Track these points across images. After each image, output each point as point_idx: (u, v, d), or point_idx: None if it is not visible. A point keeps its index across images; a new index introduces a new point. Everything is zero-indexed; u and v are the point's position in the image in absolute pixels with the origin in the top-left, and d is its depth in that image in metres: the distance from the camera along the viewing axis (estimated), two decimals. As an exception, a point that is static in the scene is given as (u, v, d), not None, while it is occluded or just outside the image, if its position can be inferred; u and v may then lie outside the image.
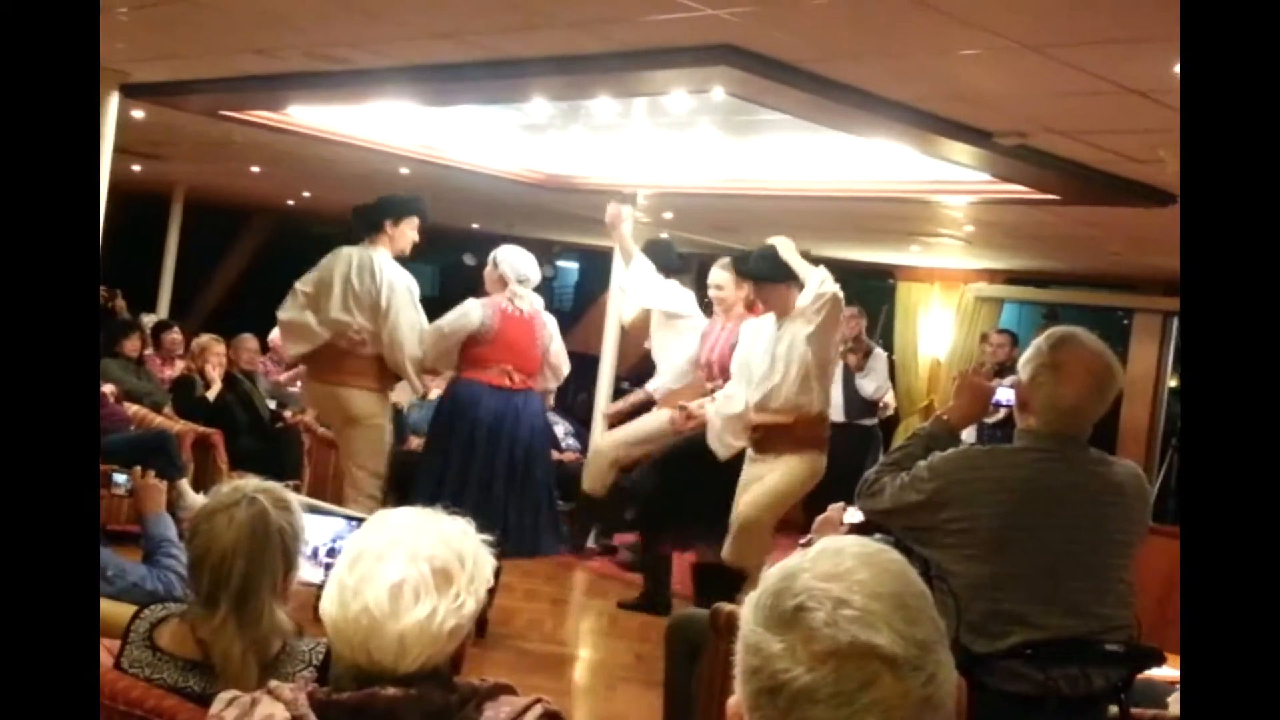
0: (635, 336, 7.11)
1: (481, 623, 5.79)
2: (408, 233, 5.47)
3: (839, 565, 1.07)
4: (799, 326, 4.95)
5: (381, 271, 5.37)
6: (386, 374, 5.52)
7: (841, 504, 3.09)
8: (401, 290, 5.40)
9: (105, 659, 2.15)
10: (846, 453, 6.78)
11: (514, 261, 5.61)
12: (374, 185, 8.50)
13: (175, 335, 8.60)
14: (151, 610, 2.17)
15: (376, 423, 5.51)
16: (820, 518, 3.14)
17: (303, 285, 5.45)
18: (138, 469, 3.43)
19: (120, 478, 3.54)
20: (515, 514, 5.45)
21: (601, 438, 6.02)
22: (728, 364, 5.54)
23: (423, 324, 5.49)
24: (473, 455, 5.42)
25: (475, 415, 5.45)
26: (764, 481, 5.08)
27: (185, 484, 5.80)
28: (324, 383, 5.52)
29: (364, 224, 5.51)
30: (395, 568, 1.54)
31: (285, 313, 5.48)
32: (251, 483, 2.21)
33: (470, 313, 5.50)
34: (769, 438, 5.08)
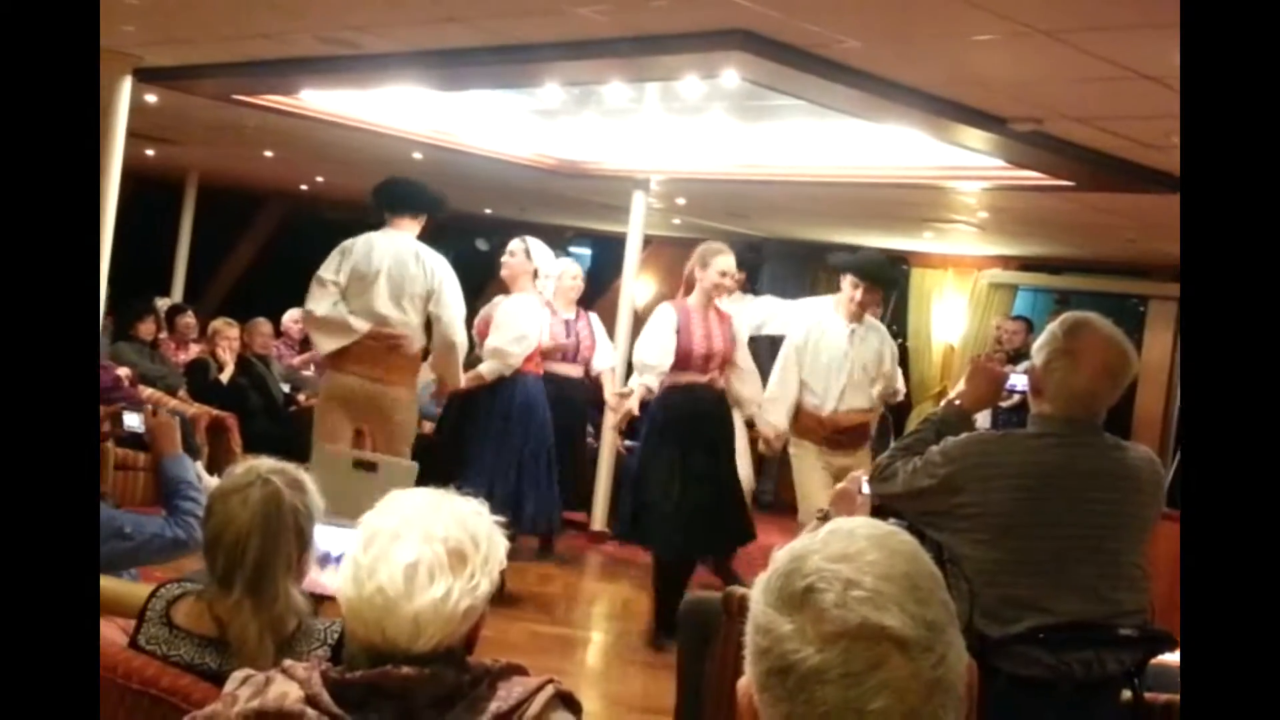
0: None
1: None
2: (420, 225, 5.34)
3: (850, 546, 1.06)
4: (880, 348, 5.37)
5: (427, 256, 5.16)
6: (417, 368, 5.47)
7: (859, 473, 3.07)
8: (451, 274, 5.21)
9: (121, 638, 2.17)
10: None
11: (546, 255, 5.80)
12: (387, 170, 8.49)
13: (189, 319, 8.63)
14: (168, 589, 2.19)
15: (412, 419, 5.53)
16: (838, 487, 3.13)
17: (331, 276, 5.05)
18: (149, 408, 3.29)
19: (132, 418, 3.41)
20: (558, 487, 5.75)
21: None
22: (730, 356, 5.56)
23: (461, 308, 5.30)
24: (544, 441, 5.66)
25: (554, 405, 5.74)
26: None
27: (200, 466, 5.82)
28: (373, 381, 5.12)
29: (404, 204, 5.20)
30: (410, 548, 1.55)
31: (319, 307, 5.05)
32: (265, 463, 2.20)
33: (539, 314, 5.72)
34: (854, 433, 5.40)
